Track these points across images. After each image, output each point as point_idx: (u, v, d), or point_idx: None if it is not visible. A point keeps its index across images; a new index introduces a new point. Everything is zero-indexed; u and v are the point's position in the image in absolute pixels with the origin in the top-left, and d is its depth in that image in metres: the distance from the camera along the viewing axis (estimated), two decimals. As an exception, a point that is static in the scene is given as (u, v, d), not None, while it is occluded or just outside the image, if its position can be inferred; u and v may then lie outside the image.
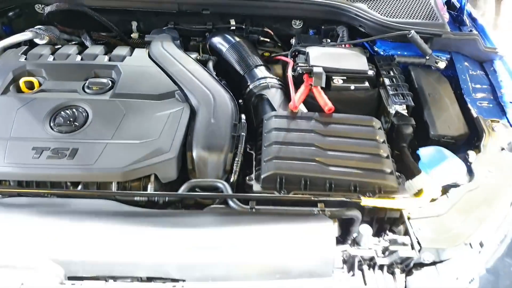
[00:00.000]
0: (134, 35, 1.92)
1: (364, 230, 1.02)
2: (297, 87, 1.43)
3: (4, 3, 1.73)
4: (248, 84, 1.53)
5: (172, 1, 1.74)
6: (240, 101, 1.48)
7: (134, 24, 1.89)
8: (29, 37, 1.66)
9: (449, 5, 2.03)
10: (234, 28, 1.83)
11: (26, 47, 1.56)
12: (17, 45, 1.63)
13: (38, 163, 1.15)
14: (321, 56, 1.52)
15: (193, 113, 1.32)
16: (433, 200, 1.13)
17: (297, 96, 1.36)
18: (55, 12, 1.73)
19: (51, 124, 1.25)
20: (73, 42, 1.80)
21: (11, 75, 1.41)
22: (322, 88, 1.40)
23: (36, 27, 1.70)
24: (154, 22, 1.87)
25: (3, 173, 1.14)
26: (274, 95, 1.45)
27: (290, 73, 1.44)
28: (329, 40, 1.76)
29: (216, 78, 1.47)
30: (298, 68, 1.48)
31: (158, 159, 1.17)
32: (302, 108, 1.40)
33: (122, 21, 1.88)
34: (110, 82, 1.41)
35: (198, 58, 1.65)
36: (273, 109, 1.40)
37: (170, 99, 1.35)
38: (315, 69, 1.41)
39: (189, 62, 1.50)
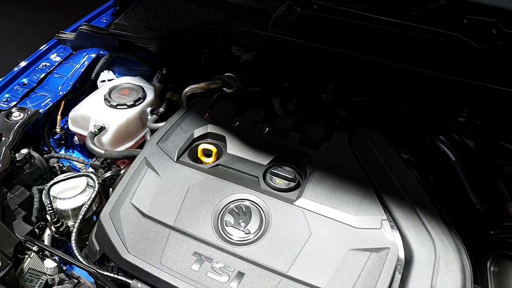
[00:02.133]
0: (327, 96, 1.60)
1: None
2: None
3: (200, 42, 1.60)
4: (489, 229, 1.03)
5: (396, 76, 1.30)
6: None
7: (332, 85, 1.56)
8: (219, 86, 1.50)
9: None
10: (463, 120, 1.33)
11: (213, 100, 1.38)
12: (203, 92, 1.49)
13: (195, 278, 0.92)
14: None
15: (400, 262, 0.92)
16: None
17: None
18: (251, 62, 1.54)
19: (220, 222, 1.01)
20: (253, 88, 1.59)
21: (193, 136, 1.23)
22: None
23: (226, 74, 1.53)
24: (357, 90, 1.51)
25: (155, 277, 0.93)
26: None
27: None
28: None
29: (440, 208, 1.02)
30: None
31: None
32: None
33: (318, 80, 1.58)
34: (297, 178, 1.10)
35: (411, 159, 1.22)
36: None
37: (373, 229, 0.97)
38: None
39: (405, 174, 1.08)
